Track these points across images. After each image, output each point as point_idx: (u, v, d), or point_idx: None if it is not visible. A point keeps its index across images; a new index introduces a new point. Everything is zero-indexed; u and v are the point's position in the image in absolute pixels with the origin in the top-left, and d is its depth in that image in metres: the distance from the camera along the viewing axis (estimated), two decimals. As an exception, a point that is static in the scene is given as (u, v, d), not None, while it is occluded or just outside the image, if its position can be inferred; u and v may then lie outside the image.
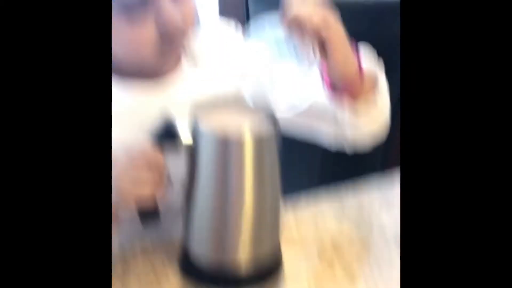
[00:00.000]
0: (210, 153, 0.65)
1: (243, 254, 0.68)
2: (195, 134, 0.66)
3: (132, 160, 0.64)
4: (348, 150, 0.89)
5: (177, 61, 0.80)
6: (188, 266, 0.71)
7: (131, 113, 0.74)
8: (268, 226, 0.69)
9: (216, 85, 0.83)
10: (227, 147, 0.64)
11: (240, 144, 0.64)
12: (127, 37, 0.70)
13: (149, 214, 0.67)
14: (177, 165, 0.67)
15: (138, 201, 0.63)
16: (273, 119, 0.67)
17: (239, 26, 0.91)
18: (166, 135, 0.66)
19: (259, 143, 0.65)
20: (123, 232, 0.71)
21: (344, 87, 0.78)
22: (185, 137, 0.66)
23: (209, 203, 0.67)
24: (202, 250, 0.69)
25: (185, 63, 0.82)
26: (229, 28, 0.89)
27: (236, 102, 0.72)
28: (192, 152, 0.66)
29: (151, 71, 0.77)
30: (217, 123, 0.66)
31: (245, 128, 0.65)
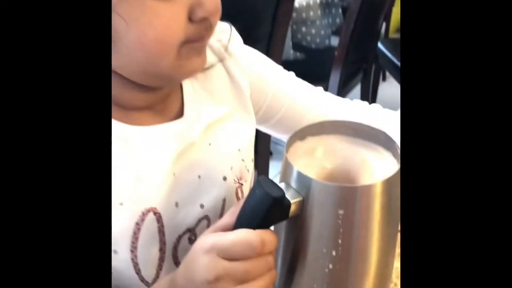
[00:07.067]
0: (324, 212, 0.49)
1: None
2: (300, 187, 0.49)
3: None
4: None
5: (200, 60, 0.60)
6: None
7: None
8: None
9: None
10: (352, 200, 0.48)
11: (368, 194, 0.49)
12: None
13: None
14: None
15: None
16: (395, 150, 0.52)
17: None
18: (273, 205, 0.48)
19: (389, 190, 0.49)
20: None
21: None
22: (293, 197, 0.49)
23: (323, 275, 0.52)
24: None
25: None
26: None
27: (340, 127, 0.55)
28: (300, 212, 0.50)
29: (166, 70, 0.57)
30: (330, 166, 0.51)
31: (373, 172, 0.51)
